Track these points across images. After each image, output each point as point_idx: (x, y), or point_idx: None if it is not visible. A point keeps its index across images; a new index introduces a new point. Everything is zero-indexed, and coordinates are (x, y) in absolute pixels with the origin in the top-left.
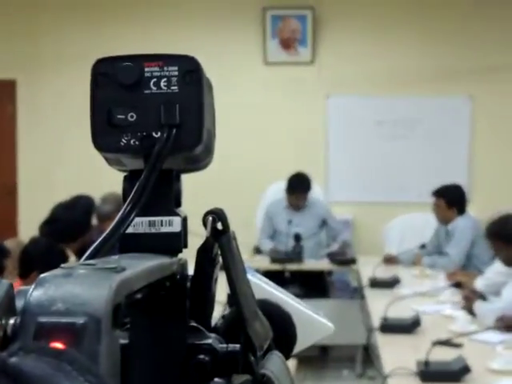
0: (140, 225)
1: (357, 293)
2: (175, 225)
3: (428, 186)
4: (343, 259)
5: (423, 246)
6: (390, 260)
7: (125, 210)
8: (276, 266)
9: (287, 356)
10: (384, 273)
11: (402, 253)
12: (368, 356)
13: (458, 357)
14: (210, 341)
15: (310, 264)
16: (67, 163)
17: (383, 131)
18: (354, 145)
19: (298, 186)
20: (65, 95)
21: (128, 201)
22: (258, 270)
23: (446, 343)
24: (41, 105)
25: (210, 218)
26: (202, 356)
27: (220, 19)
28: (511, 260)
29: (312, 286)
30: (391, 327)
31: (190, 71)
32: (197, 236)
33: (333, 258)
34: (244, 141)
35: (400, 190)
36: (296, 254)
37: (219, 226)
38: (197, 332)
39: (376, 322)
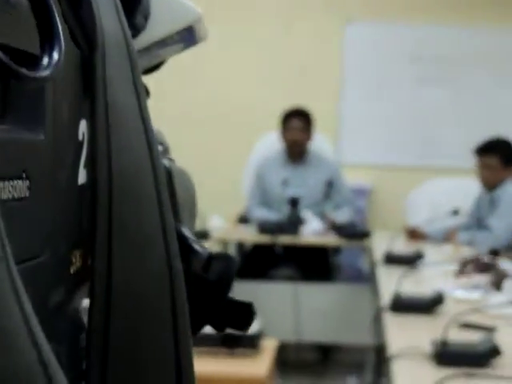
0: None
1: (369, 277)
2: None
3: (472, 146)
4: (353, 232)
5: (456, 212)
6: (414, 234)
7: None
8: (265, 239)
9: None
10: (405, 248)
11: (429, 221)
12: (381, 360)
13: (485, 337)
14: None
15: (310, 237)
16: None
17: (419, 71)
18: (378, 89)
19: (296, 113)
20: None
21: None
22: (242, 244)
23: (474, 326)
24: None
25: None
26: None
27: None
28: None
29: (311, 267)
30: (404, 305)
31: None
32: None
33: (340, 230)
34: (230, 76)
35: (436, 150)
36: (291, 224)
37: None
38: None
39: (387, 302)
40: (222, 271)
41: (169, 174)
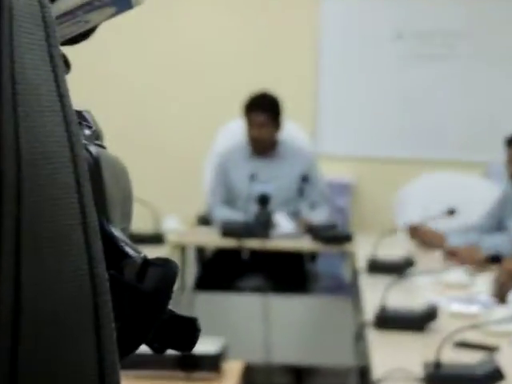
0: None
1: (351, 288)
2: None
3: (475, 136)
4: (333, 235)
5: (451, 212)
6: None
7: None
8: (230, 243)
9: None
10: (392, 254)
11: (420, 222)
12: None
13: (485, 358)
14: None
15: (283, 241)
16: None
17: (406, 49)
18: (360, 69)
19: (260, 104)
20: None
21: None
22: (203, 249)
23: (472, 345)
24: None
25: None
26: None
27: None
28: None
29: (284, 276)
30: (391, 321)
31: None
32: None
33: (317, 233)
34: (189, 55)
35: (431, 140)
36: (260, 225)
37: None
38: None
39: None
40: (160, 280)
41: (96, 162)
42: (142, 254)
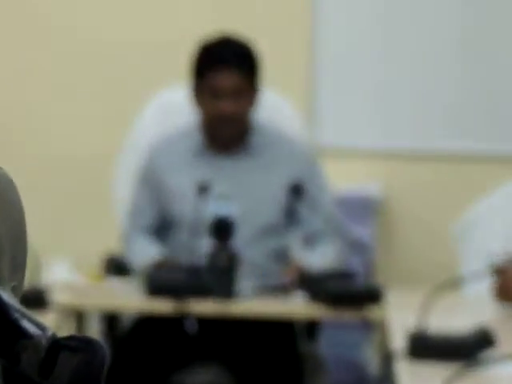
0: None
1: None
2: None
3: None
4: (348, 292)
5: None
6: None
7: None
8: (163, 306)
9: None
10: (451, 321)
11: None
12: None
13: None
14: None
15: (257, 304)
16: None
17: None
18: (383, 14)
19: (228, 51)
20: None
21: None
22: (114, 318)
23: None
24: None
25: None
26: None
27: None
28: None
29: (261, 364)
30: None
31: None
32: None
33: (321, 288)
34: None
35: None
36: (218, 275)
37: None
38: None
39: None
40: (77, 373)
41: None
42: (49, 332)
